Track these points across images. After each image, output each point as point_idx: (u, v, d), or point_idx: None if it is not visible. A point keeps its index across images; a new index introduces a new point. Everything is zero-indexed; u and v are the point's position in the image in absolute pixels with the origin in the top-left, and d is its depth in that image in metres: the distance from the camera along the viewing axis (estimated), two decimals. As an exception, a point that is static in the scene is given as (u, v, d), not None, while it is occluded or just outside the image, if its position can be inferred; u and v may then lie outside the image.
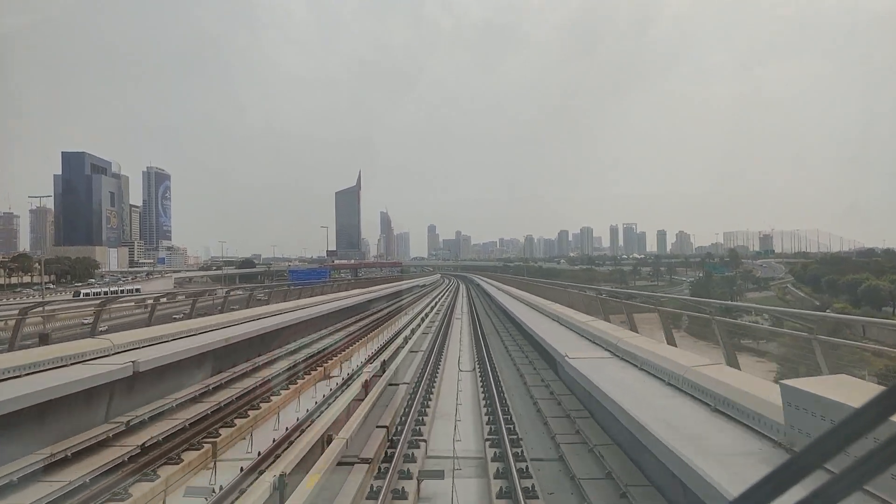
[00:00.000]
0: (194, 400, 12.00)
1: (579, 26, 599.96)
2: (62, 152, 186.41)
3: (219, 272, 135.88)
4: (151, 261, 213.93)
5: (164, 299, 22.04)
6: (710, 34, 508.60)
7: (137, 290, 48.50)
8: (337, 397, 12.43)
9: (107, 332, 13.82)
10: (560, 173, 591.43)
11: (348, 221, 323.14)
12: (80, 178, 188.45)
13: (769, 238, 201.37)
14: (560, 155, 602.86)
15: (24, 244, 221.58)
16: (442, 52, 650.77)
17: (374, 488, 7.19)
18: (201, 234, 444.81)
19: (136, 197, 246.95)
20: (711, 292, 67.93)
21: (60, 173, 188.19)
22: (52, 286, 77.86)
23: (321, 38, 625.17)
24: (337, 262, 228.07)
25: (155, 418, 10.54)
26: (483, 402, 12.21)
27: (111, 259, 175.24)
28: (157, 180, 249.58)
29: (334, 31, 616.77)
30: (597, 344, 12.89)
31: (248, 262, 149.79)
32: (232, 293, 24.98)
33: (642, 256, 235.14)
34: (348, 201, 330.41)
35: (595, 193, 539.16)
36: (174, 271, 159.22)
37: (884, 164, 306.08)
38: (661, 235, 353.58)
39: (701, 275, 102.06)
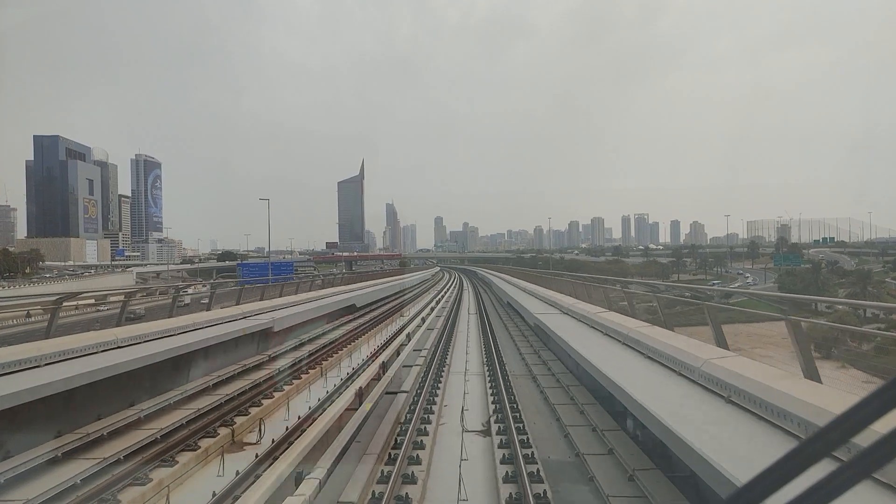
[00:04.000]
0: None
1: (586, 15, 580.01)
2: (34, 136, 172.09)
3: (197, 266, 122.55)
4: (139, 253, 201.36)
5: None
6: (718, 22, 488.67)
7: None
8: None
9: None
10: (568, 163, 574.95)
11: (351, 212, 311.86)
12: (53, 163, 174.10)
13: (787, 228, 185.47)
14: (568, 145, 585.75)
15: (20, 237, 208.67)
16: (447, 42, 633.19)
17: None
18: (204, 225, 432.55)
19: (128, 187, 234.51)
20: (820, 290, 51.71)
21: (32, 159, 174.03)
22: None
23: (324, 29, 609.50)
24: (336, 253, 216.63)
25: None
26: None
27: (89, 251, 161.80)
28: (146, 169, 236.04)
29: (338, 21, 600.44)
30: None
31: (228, 255, 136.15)
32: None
33: (660, 247, 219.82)
34: (351, 191, 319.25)
35: (604, 184, 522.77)
36: (162, 264, 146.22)
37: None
38: (675, 225, 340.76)
39: (769, 266, 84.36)
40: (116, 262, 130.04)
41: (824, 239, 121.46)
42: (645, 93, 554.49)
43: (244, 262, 72.91)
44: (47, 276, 78.05)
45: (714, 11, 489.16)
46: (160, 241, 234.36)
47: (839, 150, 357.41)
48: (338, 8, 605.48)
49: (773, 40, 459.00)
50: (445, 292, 49.68)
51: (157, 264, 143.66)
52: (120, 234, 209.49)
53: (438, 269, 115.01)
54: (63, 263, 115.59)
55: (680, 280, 79.03)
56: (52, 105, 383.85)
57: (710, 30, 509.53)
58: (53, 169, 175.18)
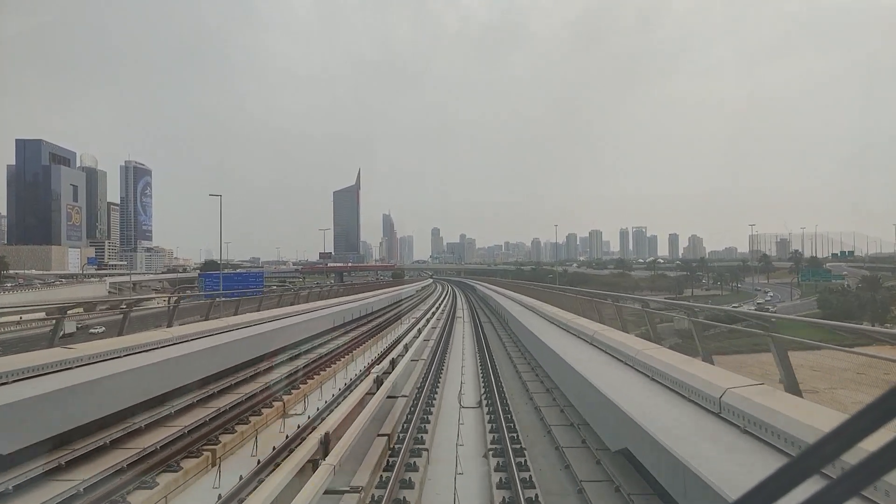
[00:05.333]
0: None
1: (585, 23, 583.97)
2: (16, 140, 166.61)
3: (178, 275, 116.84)
4: (126, 262, 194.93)
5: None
6: (716, 31, 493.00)
7: None
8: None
9: None
10: (566, 174, 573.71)
11: (347, 222, 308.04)
12: (36, 168, 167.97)
13: (787, 242, 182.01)
14: (566, 156, 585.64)
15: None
16: (445, 49, 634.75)
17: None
18: (201, 233, 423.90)
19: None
20: (883, 311, 45.05)
21: (14, 163, 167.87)
22: None
23: (323, 34, 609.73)
24: (330, 264, 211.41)
25: None
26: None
27: (72, 259, 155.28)
28: (136, 176, 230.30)
29: (337, 26, 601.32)
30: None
31: (211, 264, 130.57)
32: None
33: (661, 260, 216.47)
34: (347, 201, 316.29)
35: (602, 194, 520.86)
36: (141, 274, 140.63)
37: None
38: (674, 238, 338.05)
39: (796, 280, 78.45)
40: (102, 272, 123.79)
41: (842, 253, 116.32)
42: (643, 99, 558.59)
43: (207, 273, 67.32)
44: (8, 284, 72.23)
45: (711, 20, 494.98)
46: (149, 249, 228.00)
47: (836, 158, 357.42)
48: (337, 11, 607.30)
49: (769, 50, 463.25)
50: (427, 322, 28.15)
51: (131, 273, 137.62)
52: (107, 242, 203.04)
53: (431, 280, 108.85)
54: (27, 272, 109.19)
55: (693, 295, 73.60)
56: (46, 109, 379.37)
57: (707, 38, 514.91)
58: (36, 174, 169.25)
